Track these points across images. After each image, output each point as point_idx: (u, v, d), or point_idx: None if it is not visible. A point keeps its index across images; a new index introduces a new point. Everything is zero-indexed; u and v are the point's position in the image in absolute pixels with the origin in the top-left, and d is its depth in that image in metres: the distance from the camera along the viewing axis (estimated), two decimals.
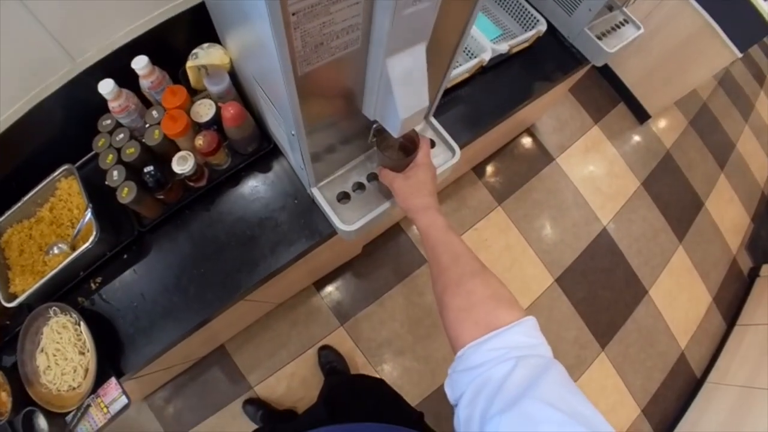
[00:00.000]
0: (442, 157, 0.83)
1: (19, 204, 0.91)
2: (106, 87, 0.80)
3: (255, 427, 1.55)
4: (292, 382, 1.62)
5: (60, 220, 0.90)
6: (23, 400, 0.87)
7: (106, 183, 0.83)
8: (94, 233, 0.81)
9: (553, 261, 1.73)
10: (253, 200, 0.86)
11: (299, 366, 1.62)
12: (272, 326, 1.64)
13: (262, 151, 0.86)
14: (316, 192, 0.79)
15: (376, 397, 0.83)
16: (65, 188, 0.89)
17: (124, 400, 0.83)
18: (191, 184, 0.85)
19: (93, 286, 0.88)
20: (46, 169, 0.90)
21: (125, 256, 0.87)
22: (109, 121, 0.86)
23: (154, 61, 0.81)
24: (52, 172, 0.89)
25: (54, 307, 0.86)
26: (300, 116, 0.57)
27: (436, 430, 0.71)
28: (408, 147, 0.70)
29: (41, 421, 0.88)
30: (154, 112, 0.84)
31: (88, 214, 0.83)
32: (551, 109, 1.85)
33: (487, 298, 0.47)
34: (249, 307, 1.16)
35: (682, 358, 1.74)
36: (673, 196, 2.00)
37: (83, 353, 0.85)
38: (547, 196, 1.73)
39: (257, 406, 1.59)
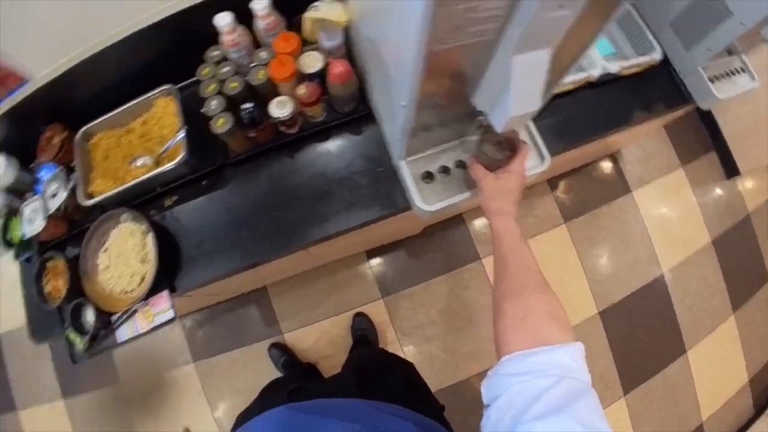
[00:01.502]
0: (531, 163, 0.82)
1: (114, 112, 0.95)
2: (224, 20, 0.82)
3: (275, 370, 1.62)
4: (322, 338, 1.65)
5: (149, 135, 0.94)
6: (77, 291, 0.93)
7: (203, 110, 0.85)
8: (183, 154, 0.84)
9: (603, 293, 1.69)
10: (337, 158, 0.87)
11: (332, 325, 1.65)
12: (316, 282, 1.68)
13: (357, 114, 0.87)
14: (403, 165, 0.79)
15: (405, 379, 0.84)
16: (161, 106, 0.93)
17: (171, 314, 0.87)
18: (283, 129, 0.87)
19: (167, 203, 0.92)
20: (147, 86, 0.93)
21: (204, 182, 0.90)
22: (217, 53, 0.88)
23: (273, 4, 0.83)
24: (153, 89, 0.92)
25: (127, 213, 0.90)
26: (417, 90, 0.58)
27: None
28: (506, 149, 0.70)
29: (89, 314, 0.93)
30: (263, 54, 0.86)
31: (181, 135, 0.86)
32: (640, 139, 1.79)
33: (545, 314, 0.49)
34: (303, 258, 1.18)
35: (699, 430, 1.69)
36: (740, 262, 1.90)
37: (144, 262, 0.89)
38: (614, 226, 1.69)
39: (282, 352, 1.63)
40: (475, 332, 1.54)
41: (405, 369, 0.88)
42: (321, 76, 0.84)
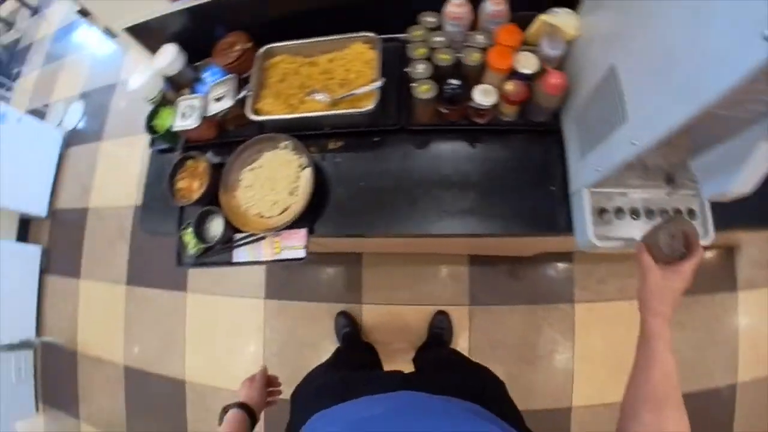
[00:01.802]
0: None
1: (304, 41, 0.95)
2: None
3: (334, 336, 1.66)
4: (396, 322, 1.65)
5: (332, 74, 0.93)
6: (211, 199, 0.93)
7: (406, 70, 0.85)
8: (372, 105, 0.84)
9: None
10: (510, 162, 0.87)
11: (412, 313, 1.64)
12: (411, 266, 1.68)
13: (547, 126, 0.86)
14: (585, 193, 0.79)
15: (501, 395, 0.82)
16: (357, 51, 0.92)
17: (302, 253, 0.87)
18: (473, 115, 0.86)
19: (331, 145, 0.92)
20: (343, 27, 0.93)
21: (376, 139, 0.90)
22: (433, 20, 0.88)
23: None
24: (354, 32, 0.92)
25: (291, 142, 0.89)
26: (660, 140, 0.58)
27: None
28: (681, 245, 0.63)
29: (216, 224, 0.93)
30: (480, 37, 0.85)
31: (376, 85, 0.85)
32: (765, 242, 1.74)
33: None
34: (413, 242, 1.17)
35: None
36: None
37: (292, 194, 0.88)
38: (707, 319, 1.62)
39: (348, 323, 1.63)
40: (540, 370, 1.53)
41: (499, 386, 0.86)
42: (529, 78, 0.83)
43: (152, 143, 1.09)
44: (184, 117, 0.97)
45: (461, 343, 1.55)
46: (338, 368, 1.10)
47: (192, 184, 0.95)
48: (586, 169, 0.79)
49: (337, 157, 0.91)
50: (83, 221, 2.36)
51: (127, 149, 2.40)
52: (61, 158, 2.55)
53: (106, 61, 2.70)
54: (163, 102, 1.03)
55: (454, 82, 0.82)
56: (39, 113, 2.71)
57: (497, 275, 1.59)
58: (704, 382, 1.59)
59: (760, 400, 1.65)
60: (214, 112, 0.94)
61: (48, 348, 2.30)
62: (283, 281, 1.83)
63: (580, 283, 1.56)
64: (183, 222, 0.98)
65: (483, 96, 0.82)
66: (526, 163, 0.88)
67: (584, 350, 1.52)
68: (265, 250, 0.90)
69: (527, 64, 0.83)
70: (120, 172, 2.36)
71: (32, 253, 2.39)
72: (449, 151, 0.89)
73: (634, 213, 0.80)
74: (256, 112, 0.92)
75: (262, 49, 0.97)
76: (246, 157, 0.93)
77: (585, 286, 1.57)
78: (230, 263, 0.93)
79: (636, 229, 0.79)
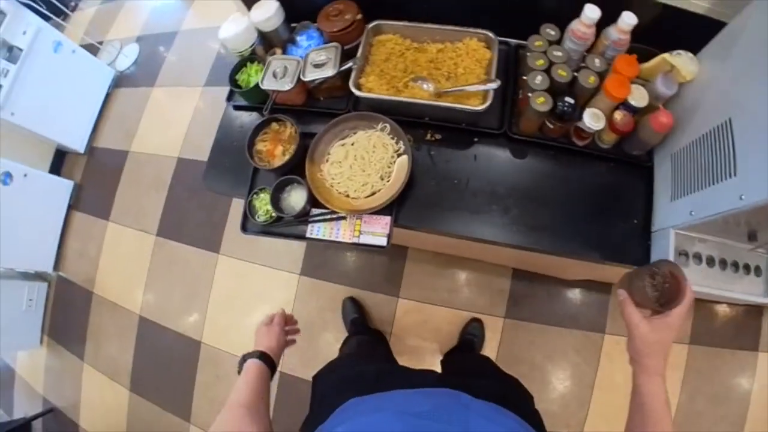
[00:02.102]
0: (753, 289, 0.86)
1: (419, 25, 0.93)
2: (593, 13, 0.81)
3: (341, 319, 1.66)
4: (429, 321, 1.67)
5: (439, 65, 0.92)
6: (294, 168, 0.90)
7: (524, 77, 0.85)
8: (485, 105, 0.83)
9: (677, 424, 1.57)
10: (597, 187, 0.88)
11: (446, 316, 1.65)
12: (453, 268, 1.69)
13: (639, 161, 0.88)
14: (671, 234, 0.82)
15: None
16: (470, 47, 0.91)
17: (383, 240, 0.86)
18: (574, 136, 0.87)
19: (428, 137, 0.91)
20: (460, 20, 0.92)
21: (476, 139, 0.89)
22: (554, 33, 0.88)
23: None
24: (473, 27, 0.90)
25: (389, 124, 0.88)
26: None
27: None
28: (669, 292, 0.61)
29: (297, 195, 0.91)
30: (597, 61, 0.85)
31: (491, 86, 0.84)
32: None
33: None
34: (474, 246, 1.17)
35: None
36: None
37: (383, 179, 0.87)
38: (726, 374, 1.66)
39: (356, 309, 1.64)
40: (558, 392, 1.57)
41: (530, 400, 0.87)
42: (637, 112, 0.85)
43: (230, 97, 1.04)
44: (275, 77, 0.93)
45: (490, 353, 1.58)
46: (364, 359, 1.09)
47: (274, 149, 0.92)
48: (677, 211, 0.82)
49: (432, 149, 0.90)
50: (121, 164, 2.30)
51: (177, 100, 2.33)
52: (108, 97, 2.49)
53: (167, 10, 2.64)
54: (251, 58, 0.99)
55: (569, 100, 0.82)
56: (92, 49, 2.59)
57: (536, 293, 1.62)
58: None
59: None
60: (312, 78, 0.90)
61: (63, 284, 2.25)
62: (322, 261, 1.82)
63: (613, 314, 1.60)
64: (254, 186, 0.95)
65: (592, 119, 0.83)
66: (611, 191, 0.90)
67: (604, 381, 1.56)
68: (343, 231, 0.89)
69: (639, 97, 0.84)
70: (167, 121, 2.28)
71: (64, 186, 2.32)
72: (541, 165, 0.90)
73: (710, 261, 0.84)
74: (358, 86, 0.90)
75: (372, 24, 0.94)
76: (338, 131, 0.91)
77: (617, 318, 1.60)
78: (302, 238, 0.91)
79: (710, 278, 0.83)
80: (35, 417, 2.05)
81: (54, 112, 2.17)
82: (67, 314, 2.20)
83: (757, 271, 0.86)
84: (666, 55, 0.84)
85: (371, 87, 0.90)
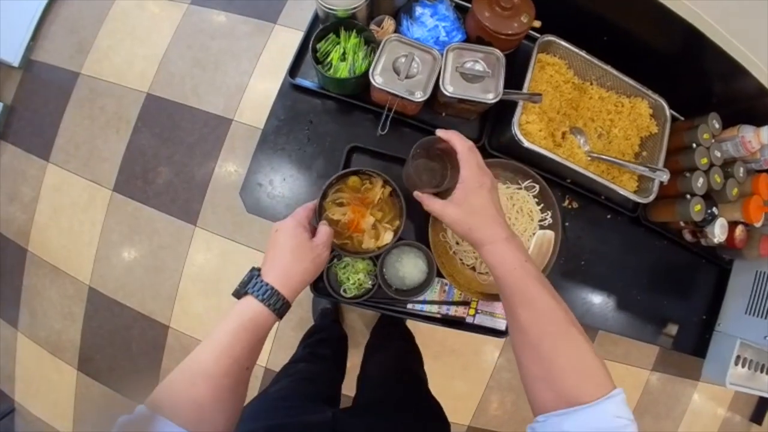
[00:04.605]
0: None
1: (592, 59, 0.72)
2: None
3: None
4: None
5: (594, 115, 0.75)
6: None
7: (687, 175, 0.74)
8: (651, 197, 0.71)
9: None
10: (677, 274, 0.89)
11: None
12: None
13: (723, 264, 0.90)
14: (738, 343, 0.88)
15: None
16: (636, 109, 0.76)
17: (502, 324, 0.71)
18: (689, 233, 0.84)
19: (566, 203, 0.77)
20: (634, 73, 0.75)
21: (608, 216, 0.80)
22: (718, 126, 0.78)
23: None
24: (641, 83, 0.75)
25: (539, 186, 0.69)
26: None
27: None
28: (447, 164, 0.56)
29: (409, 262, 0.68)
30: (742, 171, 0.79)
31: (659, 177, 0.70)
32: None
33: (570, 370, 0.40)
34: None
35: None
36: None
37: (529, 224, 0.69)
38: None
39: (332, 311, 1.45)
40: None
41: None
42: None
43: (293, 72, 0.68)
44: (397, 74, 0.62)
45: None
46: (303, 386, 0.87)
47: (359, 220, 0.60)
48: (751, 327, 0.87)
49: (568, 219, 0.76)
50: (69, 88, 1.65)
51: (153, 12, 1.64)
52: None
53: None
54: (348, 22, 0.64)
55: (714, 211, 0.76)
56: None
57: None
58: None
59: None
60: (463, 97, 0.62)
61: None
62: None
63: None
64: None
65: (721, 231, 0.79)
66: (690, 280, 0.90)
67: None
68: (455, 307, 0.70)
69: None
70: (137, 40, 1.62)
71: None
72: (648, 254, 0.84)
73: (762, 368, 0.95)
74: (521, 128, 0.66)
75: (543, 38, 0.68)
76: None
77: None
78: (402, 312, 0.69)
79: (760, 383, 0.95)
80: None
81: None
82: None
83: None
84: None
85: (532, 132, 0.68)
